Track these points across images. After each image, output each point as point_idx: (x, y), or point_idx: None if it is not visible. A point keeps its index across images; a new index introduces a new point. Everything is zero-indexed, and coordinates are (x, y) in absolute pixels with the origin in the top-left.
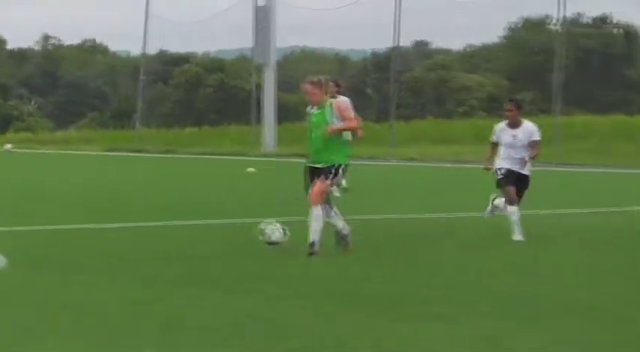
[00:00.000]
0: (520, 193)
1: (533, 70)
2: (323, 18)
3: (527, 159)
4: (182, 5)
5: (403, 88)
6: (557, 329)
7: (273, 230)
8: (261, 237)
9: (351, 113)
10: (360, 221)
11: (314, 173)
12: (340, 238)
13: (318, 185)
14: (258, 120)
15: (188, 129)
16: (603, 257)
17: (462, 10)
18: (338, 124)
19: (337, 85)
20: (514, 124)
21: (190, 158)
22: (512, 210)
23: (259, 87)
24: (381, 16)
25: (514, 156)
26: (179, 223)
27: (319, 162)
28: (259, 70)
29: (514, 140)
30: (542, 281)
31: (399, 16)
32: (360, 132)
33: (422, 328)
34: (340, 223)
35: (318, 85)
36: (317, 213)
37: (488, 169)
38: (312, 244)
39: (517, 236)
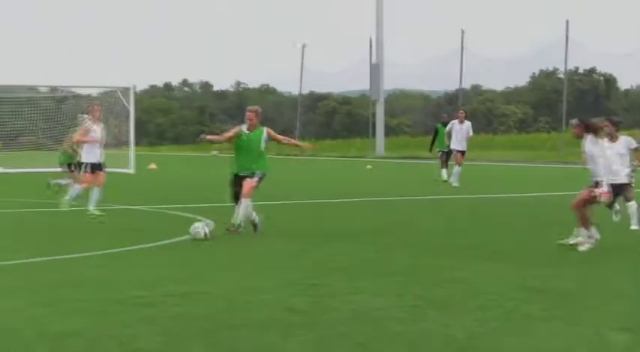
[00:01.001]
0: (626, 190)
1: (548, 103)
2: (412, 69)
3: (632, 167)
4: (326, 59)
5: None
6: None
7: (197, 228)
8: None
9: (278, 135)
10: (448, 199)
11: (242, 181)
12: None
13: (250, 183)
14: (373, 134)
15: (328, 141)
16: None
17: (502, 64)
18: (285, 140)
19: (465, 112)
20: (612, 138)
21: (329, 159)
22: (630, 206)
23: (374, 114)
24: (450, 67)
25: (612, 166)
26: (325, 201)
27: (252, 171)
28: (374, 103)
29: (613, 152)
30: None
31: (462, 68)
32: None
33: (485, 266)
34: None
35: (257, 113)
36: (247, 203)
37: None
38: (239, 226)
39: (634, 226)
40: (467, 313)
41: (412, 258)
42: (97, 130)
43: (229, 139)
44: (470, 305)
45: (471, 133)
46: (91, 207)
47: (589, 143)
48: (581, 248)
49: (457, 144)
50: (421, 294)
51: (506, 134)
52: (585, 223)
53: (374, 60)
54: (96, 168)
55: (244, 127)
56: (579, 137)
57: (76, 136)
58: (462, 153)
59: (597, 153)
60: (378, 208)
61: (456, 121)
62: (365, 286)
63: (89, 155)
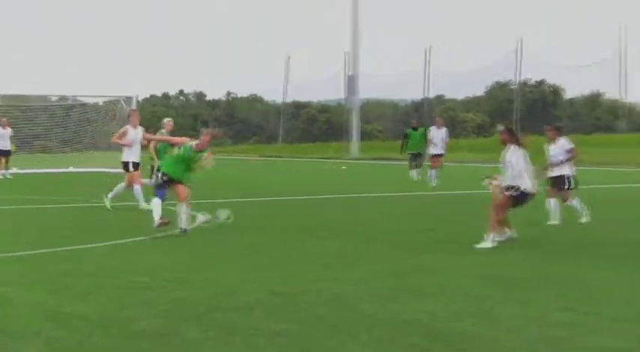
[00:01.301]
0: (560, 189)
1: (503, 111)
2: (383, 80)
3: (558, 162)
4: (308, 71)
5: (430, 122)
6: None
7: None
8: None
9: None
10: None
11: (172, 181)
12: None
13: (186, 189)
14: (348, 139)
15: (309, 145)
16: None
17: (461, 76)
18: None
19: (442, 119)
20: (553, 141)
21: (309, 161)
22: (549, 202)
23: (349, 121)
24: (416, 79)
25: (553, 163)
26: (309, 197)
27: (182, 179)
28: (349, 111)
29: (552, 153)
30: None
31: (428, 80)
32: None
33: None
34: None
35: (211, 138)
36: (186, 207)
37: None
38: (185, 230)
39: (552, 220)
40: (432, 298)
41: (385, 249)
42: (137, 133)
43: (173, 144)
44: (434, 291)
45: (447, 139)
46: (109, 196)
47: (510, 152)
48: (487, 244)
49: (434, 148)
50: (392, 282)
51: (466, 139)
52: (496, 224)
53: (350, 72)
54: (135, 166)
55: (193, 143)
56: (504, 143)
57: (113, 138)
58: (440, 156)
59: (514, 163)
60: (352, 204)
61: (434, 127)
62: (342, 275)
63: (130, 154)
